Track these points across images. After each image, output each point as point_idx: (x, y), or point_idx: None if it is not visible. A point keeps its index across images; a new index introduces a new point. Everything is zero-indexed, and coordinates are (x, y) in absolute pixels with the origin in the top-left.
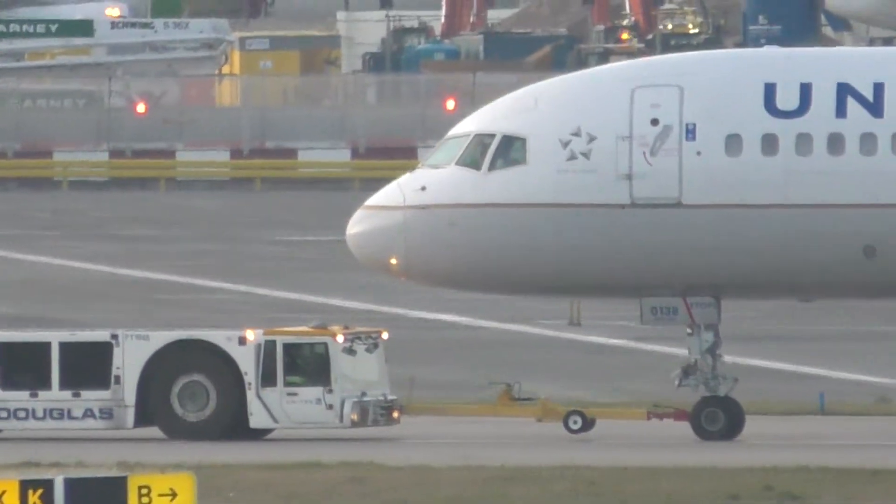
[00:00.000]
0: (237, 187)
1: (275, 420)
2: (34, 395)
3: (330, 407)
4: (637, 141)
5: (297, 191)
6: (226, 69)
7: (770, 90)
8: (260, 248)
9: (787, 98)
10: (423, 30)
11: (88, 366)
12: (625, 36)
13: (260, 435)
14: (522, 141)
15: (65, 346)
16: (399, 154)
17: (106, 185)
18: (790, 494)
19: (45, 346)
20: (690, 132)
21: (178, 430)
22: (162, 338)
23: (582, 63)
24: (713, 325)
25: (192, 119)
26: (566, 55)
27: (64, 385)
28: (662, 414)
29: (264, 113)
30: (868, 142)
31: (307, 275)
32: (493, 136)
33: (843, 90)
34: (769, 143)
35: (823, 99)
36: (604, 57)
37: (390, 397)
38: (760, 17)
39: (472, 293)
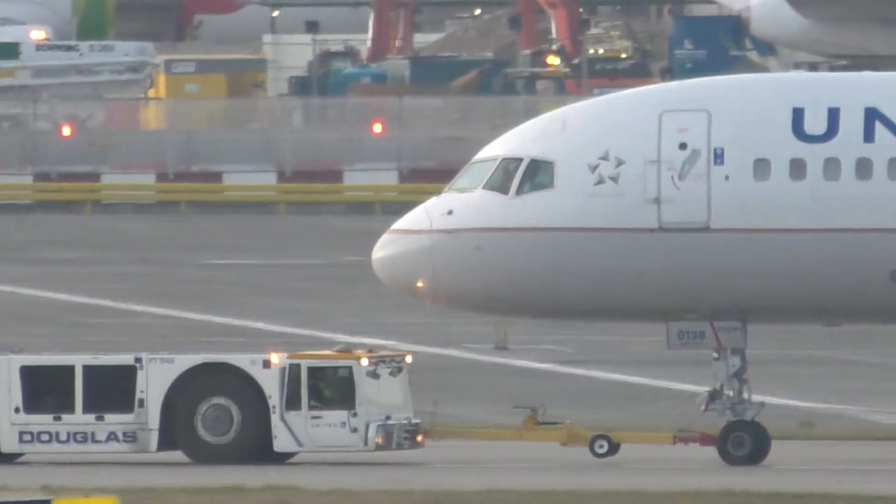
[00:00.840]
0: (163, 210)
1: (299, 444)
2: (58, 419)
3: (354, 430)
4: (665, 165)
5: (223, 214)
6: (151, 92)
7: (798, 115)
8: (186, 271)
9: (816, 123)
10: (350, 53)
11: (112, 389)
12: (551, 60)
13: (284, 458)
14: (550, 165)
15: (88, 370)
16: (325, 177)
17: (31, 208)
18: None
19: (68, 370)
20: (719, 157)
21: (203, 454)
22: (186, 361)
23: (509, 87)
24: (740, 350)
25: (118, 142)
26: (493, 79)
27: (87, 408)
28: (688, 438)
29: (190, 136)
30: None
31: (233, 298)
32: (520, 160)
33: (871, 115)
34: (797, 168)
35: (851, 124)
36: (531, 81)
37: (414, 421)
38: (686, 42)
39: (498, 316)
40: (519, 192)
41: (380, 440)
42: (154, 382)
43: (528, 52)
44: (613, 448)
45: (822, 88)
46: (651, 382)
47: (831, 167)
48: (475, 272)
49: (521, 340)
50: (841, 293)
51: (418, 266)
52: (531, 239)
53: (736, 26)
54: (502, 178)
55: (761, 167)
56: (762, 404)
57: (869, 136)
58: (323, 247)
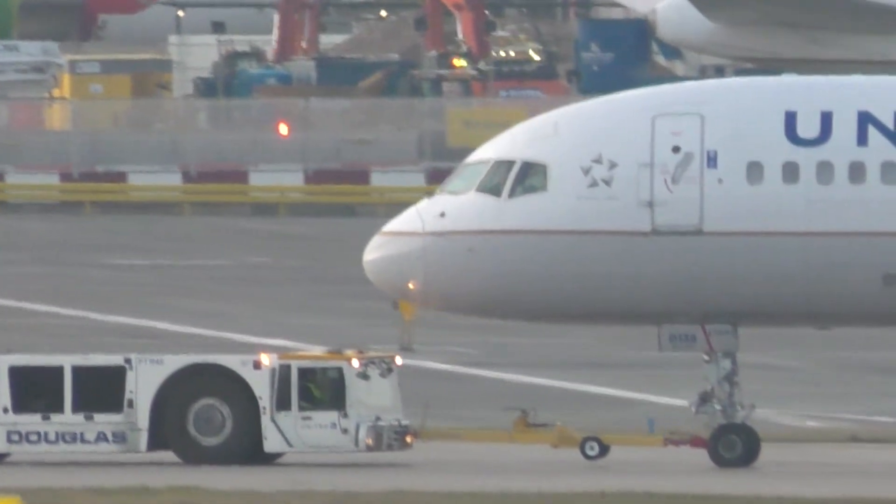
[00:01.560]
0: (67, 211)
1: (289, 444)
2: (46, 419)
3: (345, 431)
4: (658, 168)
5: (128, 215)
6: (56, 92)
7: (791, 118)
8: (90, 271)
9: (809, 126)
10: (256, 54)
11: (101, 389)
12: (457, 62)
13: (273, 459)
14: (543, 167)
15: (77, 370)
16: (231, 178)
17: None
18: None
19: (57, 370)
20: (712, 160)
21: (193, 455)
22: (176, 362)
23: (415, 89)
24: (731, 353)
25: (22, 142)
26: (399, 81)
27: (76, 408)
28: (679, 441)
29: (95, 136)
30: (889, 170)
31: (138, 299)
32: (512, 162)
33: (864, 119)
34: (790, 172)
35: (844, 127)
36: (437, 83)
37: (404, 422)
38: (593, 45)
39: (489, 320)
40: (512, 194)
41: (370, 441)
42: (143, 383)
43: (434, 53)
44: (604, 450)
45: (814, 92)
46: (558, 384)
47: (824, 171)
48: (467, 275)
49: (426, 342)
50: (833, 297)
51: (410, 268)
52: (524, 242)
53: (642, 30)
54: (495, 180)
55: (754, 171)
56: (753, 407)
57: (862, 139)
58: (228, 247)
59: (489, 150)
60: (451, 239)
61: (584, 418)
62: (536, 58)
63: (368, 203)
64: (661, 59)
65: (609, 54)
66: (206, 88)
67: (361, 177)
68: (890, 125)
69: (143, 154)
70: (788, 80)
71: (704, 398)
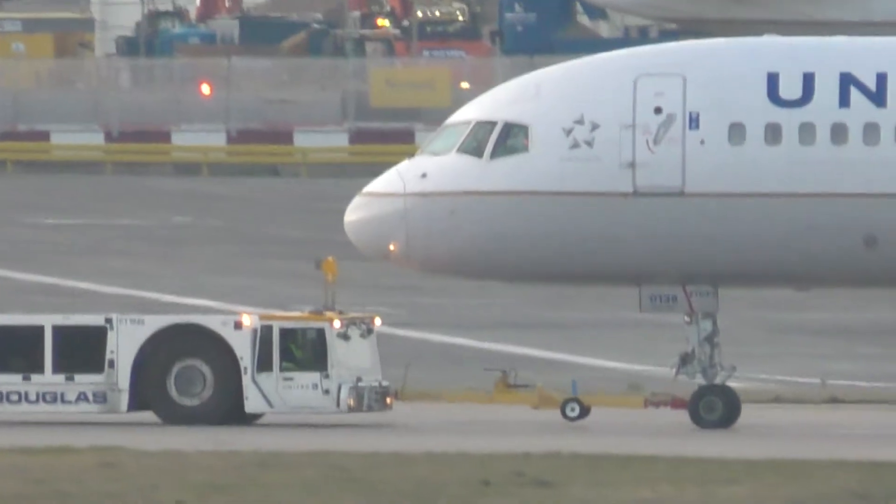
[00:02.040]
0: None
1: (270, 405)
2: (27, 379)
3: (326, 392)
4: (640, 129)
5: (50, 174)
6: None
7: (773, 80)
8: (12, 230)
9: (791, 87)
10: (178, 14)
11: (82, 350)
12: (381, 22)
13: (253, 419)
14: (525, 129)
15: (58, 330)
16: (153, 138)
17: None
18: (541, 481)
19: (38, 330)
20: (694, 121)
21: (174, 415)
22: (157, 322)
23: (338, 50)
24: (711, 314)
25: None
26: (322, 41)
27: (57, 369)
28: (660, 402)
29: (17, 96)
30: (871, 131)
31: (60, 258)
32: (494, 123)
33: (846, 80)
34: (772, 133)
35: (826, 89)
36: (360, 43)
37: (384, 383)
38: (516, 5)
39: (472, 281)
40: (493, 155)
41: (352, 402)
42: (124, 343)
43: (357, 13)
44: (585, 411)
45: (796, 53)
46: (483, 345)
47: (806, 132)
48: (449, 236)
49: (350, 303)
50: (814, 258)
51: (391, 229)
52: (506, 203)
53: None
54: (476, 141)
55: (736, 132)
56: (733, 368)
57: (844, 101)
58: (150, 207)
59: (470, 111)
60: (433, 200)
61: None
62: (461, 18)
63: (291, 163)
64: (585, 20)
65: (532, 14)
66: (129, 48)
67: (284, 137)
68: (872, 86)
69: (65, 113)
70: (770, 41)
71: (685, 360)
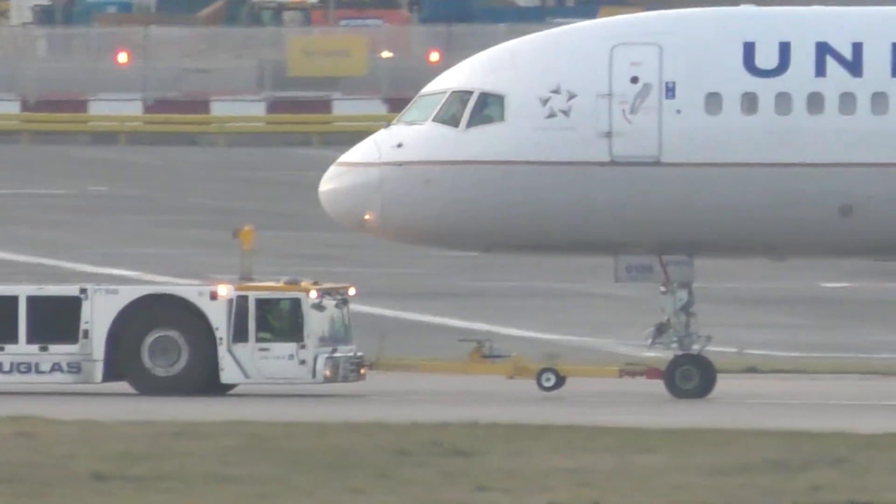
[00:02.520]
0: None
1: (246, 375)
2: (0, 349)
3: (303, 363)
4: (617, 99)
5: None
6: None
7: (749, 49)
8: None
9: (767, 57)
10: None
11: (56, 320)
12: None
13: (227, 389)
14: (501, 98)
15: (32, 300)
16: (69, 107)
17: None
18: (458, 450)
19: (12, 300)
20: (670, 90)
21: (149, 386)
22: (132, 292)
23: (255, 18)
24: (687, 284)
25: None
26: (239, 10)
27: (31, 339)
28: (635, 372)
29: None
30: (847, 101)
31: None
32: (470, 93)
33: (822, 49)
34: (749, 102)
35: (802, 58)
36: (277, 12)
37: (359, 353)
38: None
39: (448, 251)
40: (469, 125)
41: (328, 372)
42: (99, 313)
43: None
44: (560, 381)
45: (772, 22)
46: (397, 314)
47: (783, 101)
48: (425, 205)
49: (266, 272)
50: (790, 228)
51: (367, 199)
52: (482, 172)
53: None
54: (452, 110)
55: (713, 101)
56: (709, 338)
57: (820, 70)
58: (67, 177)
59: (446, 81)
60: (409, 169)
61: (425, 349)
62: None
63: (208, 132)
64: None
65: None
66: (45, 16)
67: (201, 106)
68: (848, 56)
69: None
70: (747, 10)
71: (661, 329)
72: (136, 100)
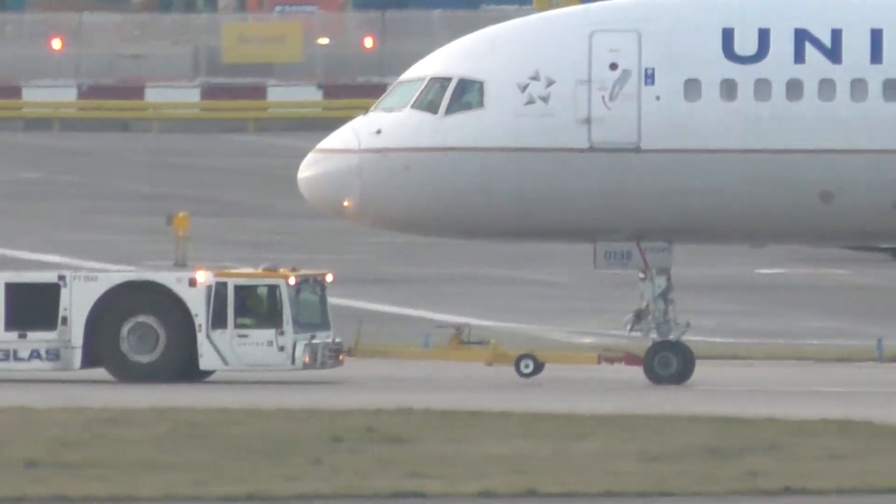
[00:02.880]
0: None
1: (225, 362)
2: None
3: (282, 349)
4: (596, 85)
5: None
6: None
7: (728, 35)
8: None
9: (746, 43)
10: None
11: (35, 307)
12: None
13: (206, 376)
14: (480, 84)
15: (11, 287)
16: (3, 94)
17: None
18: (392, 436)
19: None
20: (649, 77)
21: (127, 372)
22: (110, 279)
23: (189, 5)
24: (666, 270)
25: None
26: None
27: (10, 326)
28: (613, 358)
29: None
30: (826, 88)
31: None
32: (449, 79)
33: (802, 35)
34: (728, 89)
35: (782, 44)
36: None
37: (337, 340)
38: None
39: (428, 237)
40: (448, 111)
41: (307, 359)
42: (78, 300)
43: None
44: (539, 367)
45: (751, 9)
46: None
47: (762, 88)
48: (404, 192)
49: (200, 258)
50: (770, 214)
51: (346, 185)
52: (461, 159)
53: None
54: (431, 97)
55: (692, 88)
56: (688, 324)
57: (799, 56)
58: (1, 163)
59: (424, 67)
60: (388, 156)
61: (362, 335)
62: None
63: (143, 119)
64: None
65: None
66: None
67: (136, 92)
68: (827, 42)
69: None
70: None
71: (639, 315)
72: (70, 86)
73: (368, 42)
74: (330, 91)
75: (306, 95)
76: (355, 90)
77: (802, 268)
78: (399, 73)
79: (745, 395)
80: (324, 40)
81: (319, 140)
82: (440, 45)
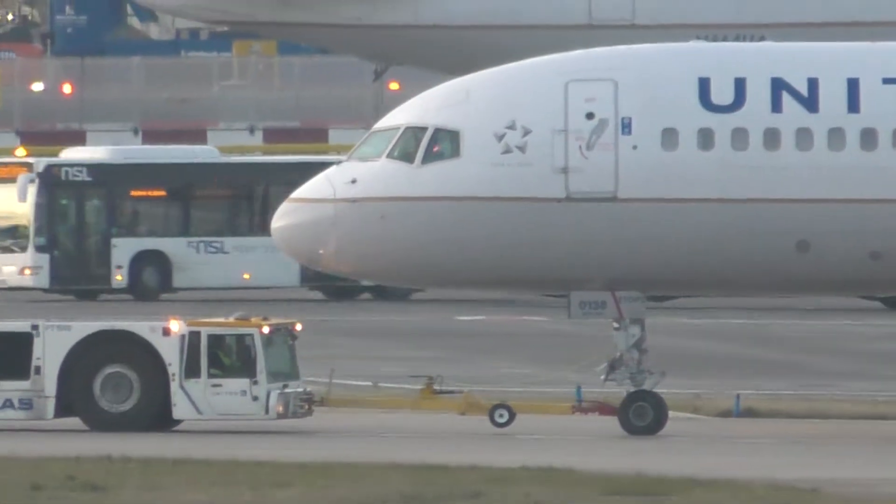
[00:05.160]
0: None
1: (199, 412)
2: None
3: (255, 399)
4: (573, 135)
5: None
6: None
7: (704, 84)
8: None
9: (722, 93)
10: None
11: (7, 356)
12: None
13: (176, 425)
14: (456, 134)
15: None
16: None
17: None
18: (92, 485)
19: None
20: (626, 126)
21: (101, 422)
22: (84, 328)
23: None
24: (640, 320)
25: None
26: None
27: None
28: (587, 409)
29: None
30: (804, 137)
31: None
32: (424, 128)
33: (778, 85)
34: (705, 138)
35: (758, 94)
36: None
37: (308, 389)
38: (67, 8)
39: (403, 285)
40: (424, 161)
41: (280, 408)
42: (51, 349)
43: None
44: (513, 417)
45: (727, 58)
46: None
47: (739, 137)
48: (380, 241)
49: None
50: (747, 264)
51: (321, 235)
52: (437, 208)
53: None
54: (407, 147)
55: (669, 137)
56: (662, 374)
57: (776, 106)
58: None
59: (399, 117)
60: (363, 206)
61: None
62: (9, 19)
63: None
64: (136, 22)
65: (83, 17)
66: None
67: None
68: (804, 91)
69: None
70: (700, 46)
71: (614, 365)
72: None
73: (67, 88)
74: (28, 138)
75: (5, 142)
76: (55, 137)
77: (502, 314)
78: (99, 121)
79: (445, 441)
80: (21, 87)
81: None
82: (139, 91)
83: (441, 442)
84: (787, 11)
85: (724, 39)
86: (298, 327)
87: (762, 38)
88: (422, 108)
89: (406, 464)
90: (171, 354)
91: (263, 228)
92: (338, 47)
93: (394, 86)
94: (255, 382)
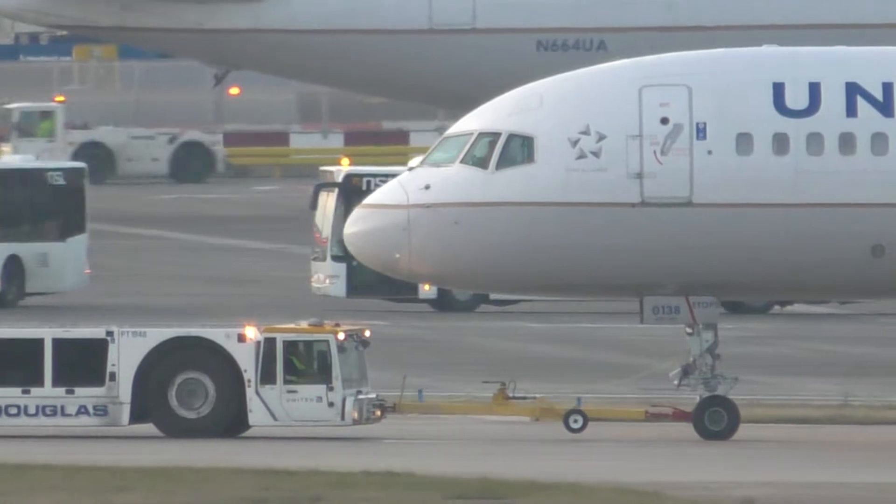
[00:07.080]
0: None
1: (274, 418)
2: (26, 392)
3: (331, 405)
4: (647, 140)
5: None
6: None
7: (779, 89)
8: None
9: (797, 97)
10: None
11: (82, 362)
12: None
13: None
14: (530, 140)
15: (58, 343)
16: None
17: None
18: None
19: (37, 343)
20: (701, 131)
21: (176, 428)
22: (159, 335)
23: None
24: (713, 325)
25: None
26: None
27: (57, 382)
28: (661, 414)
29: None
30: (879, 141)
31: None
32: (498, 134)
33: (853, 89)
34: (780, 143)
35: (833, 98)
36: None
37: (380, 395)
38: None
39: (476, 291)
40: (499, 166)
41: (356, 415)
42: (126, 356)
43: None
44: (586, 422)
45: (801, 63)
46: None
47: (814, 142)
48: (454, 247)
49: None
50: (821, 269)
51: (395, 241)
52: (511, 214)
53: None
54: (480, 152)
55: (744, 142)
56: (735, 379)
57: (851, 110)
58: None
59: (472, 122)
60: (437, 211)
61: None
62: None
63: None
64: None
65: None
66: None
67: None
68: (878, 96)
69: None
70: (774, 50)
71: (687, 370)
72: None
73: None
74: None
75: None
76: None
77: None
78: None
79: (292, 446)
80: None
81: None
82: None
83: (285, 445)
84: (626, 17)
85: (564, 43)
86: (367, 334)
87: (601, 43)
88: (494, 113)
89: (249, 468)
90: (246, 361)
91: None
92: (179, 52)
93: (234, 91)
94: (331, 389)
